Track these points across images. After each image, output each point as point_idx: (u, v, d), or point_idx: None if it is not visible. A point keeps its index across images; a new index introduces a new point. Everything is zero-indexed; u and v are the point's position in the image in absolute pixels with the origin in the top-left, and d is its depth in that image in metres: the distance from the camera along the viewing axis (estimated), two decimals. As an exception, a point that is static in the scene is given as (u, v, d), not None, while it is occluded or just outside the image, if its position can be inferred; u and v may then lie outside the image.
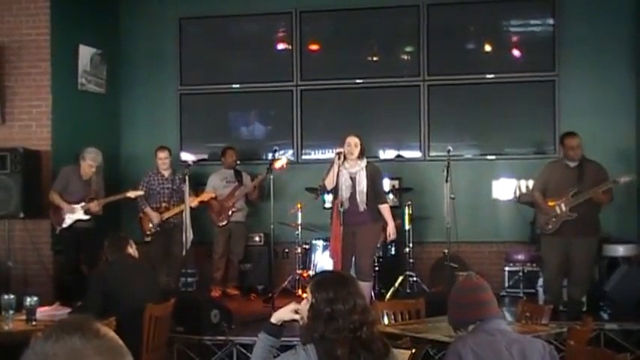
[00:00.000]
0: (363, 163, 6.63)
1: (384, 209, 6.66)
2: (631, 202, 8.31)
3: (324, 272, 3.38)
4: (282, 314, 2.94)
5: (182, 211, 7.77)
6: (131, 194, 7.80)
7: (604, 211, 6.95)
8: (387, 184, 8.43)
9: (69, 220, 7.57)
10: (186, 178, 7.52)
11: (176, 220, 8.00)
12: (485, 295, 3.00)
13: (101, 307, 4.89)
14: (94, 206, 7.56)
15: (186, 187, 7.52)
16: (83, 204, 7.56)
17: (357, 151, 6.56)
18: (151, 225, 8.05)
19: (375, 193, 6.62)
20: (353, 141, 6.56)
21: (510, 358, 2.78)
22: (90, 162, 7.60)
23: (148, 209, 8.05)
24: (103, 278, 5.19)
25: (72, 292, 7.04)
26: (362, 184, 6.55)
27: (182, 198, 7.93)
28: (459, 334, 3.05)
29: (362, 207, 6.53)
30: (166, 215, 8.04)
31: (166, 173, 8.18)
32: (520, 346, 2.82)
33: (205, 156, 9.56)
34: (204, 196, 8.13)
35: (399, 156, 9.20)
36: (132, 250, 5.40)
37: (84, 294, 5.42)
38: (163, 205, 8.09)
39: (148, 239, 8.03)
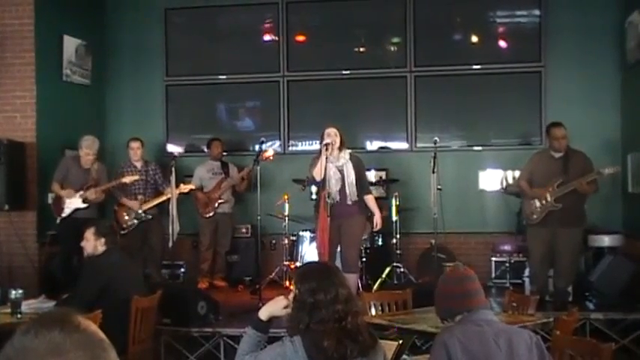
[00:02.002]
0: (347, 154, 6.59)
1: (369, 200, 6.64)
2: (616, 193, 8.35)
3: (307, 264, 3.39)
4: (273, 310, 2.92)
5: (160, 203, 7.73)
6: (127, 179, 7.66)
7: (589, 201, 6.98)
8: (373, 175, 8.44)
9: (68, 209, 7.47)
10: (173, 169, 7.46)
11: (153, 212, 7.91)
12: (472, 286, 3.00)
13: (94, 298, 4.78)
14: (91, 193, 7.44)
15: (173, 179, 7.46)
16: (81, 192, 7.47)
17: (338, 141, 6.51)
18: (127, 217, 7.82)
19: (359, 185, 6.58)
20: (333, 131, 6.48)
21: (497, 349, 2.78)
22: (86, 150, 7.54)
23: (125, 199, 7.86)
24: (101, 268, 5.04)
25: (58, 283, 6.98)
26: (350, 176, 6.51)
27: (156, 190, 7.90)
28: (446, 324, 3.05)
29: (351, 199, 6.49)
30: (145, 207, 7.86)
31: (138, 164, 8.02)
32: (507, 337, 2.83)
33: (191, 147, 9.50)
34: (183, 188, 7.95)
35: (385, 147, 9.20)
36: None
37: (71, 285, 5.34)
38: (139, 197, 7.88)
39: (124, 232, 7.79)
